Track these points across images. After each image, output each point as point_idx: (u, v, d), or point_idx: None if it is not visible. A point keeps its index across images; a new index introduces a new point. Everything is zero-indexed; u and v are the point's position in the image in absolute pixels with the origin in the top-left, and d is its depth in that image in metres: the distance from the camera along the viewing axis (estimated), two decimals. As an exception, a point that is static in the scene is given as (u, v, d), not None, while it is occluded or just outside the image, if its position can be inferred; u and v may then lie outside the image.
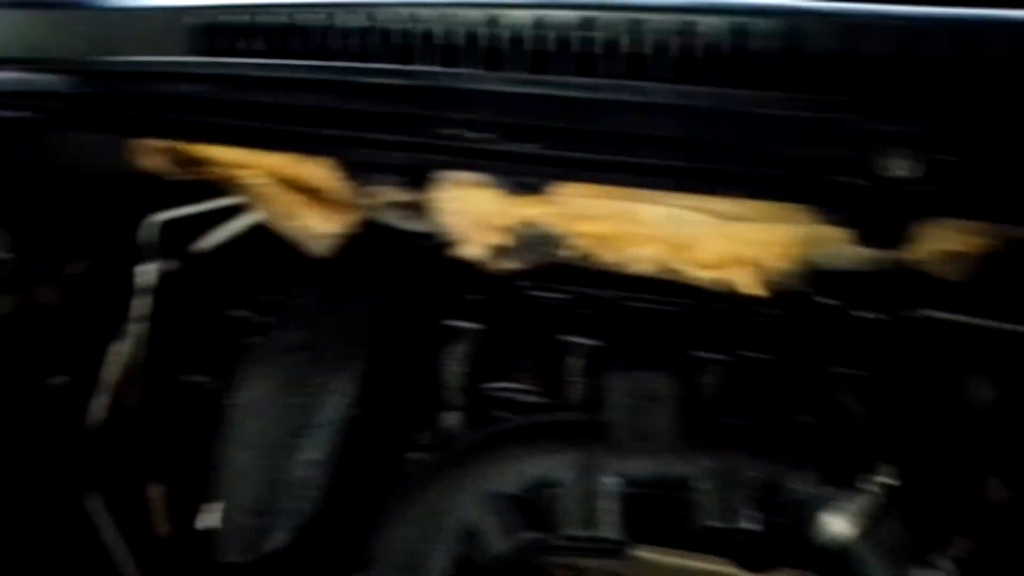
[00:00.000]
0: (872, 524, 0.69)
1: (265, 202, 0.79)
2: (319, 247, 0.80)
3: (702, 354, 0.81)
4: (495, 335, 0.87)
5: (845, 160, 0.60)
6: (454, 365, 0.86)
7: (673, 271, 0.75)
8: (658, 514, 0.75)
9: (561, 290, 0.87)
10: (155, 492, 1.01)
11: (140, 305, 0.95)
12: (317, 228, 0.79)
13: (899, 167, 0.59)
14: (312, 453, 0.79)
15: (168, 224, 0.96)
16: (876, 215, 0.64)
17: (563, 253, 0.77)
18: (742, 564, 0.76)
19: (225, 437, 0.81)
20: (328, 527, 0.78)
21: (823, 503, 0.71)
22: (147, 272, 0.95)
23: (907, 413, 0.78)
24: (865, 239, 0.65)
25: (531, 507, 0.76)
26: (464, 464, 0.79)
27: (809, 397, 0.79)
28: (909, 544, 0.69)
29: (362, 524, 0.78)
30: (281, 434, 0.80)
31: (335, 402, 0.81)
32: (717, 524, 0.72)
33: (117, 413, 1.00)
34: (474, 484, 0.76)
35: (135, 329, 0.95)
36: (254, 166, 0.76)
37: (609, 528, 0.74)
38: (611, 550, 0.75)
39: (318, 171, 0.75)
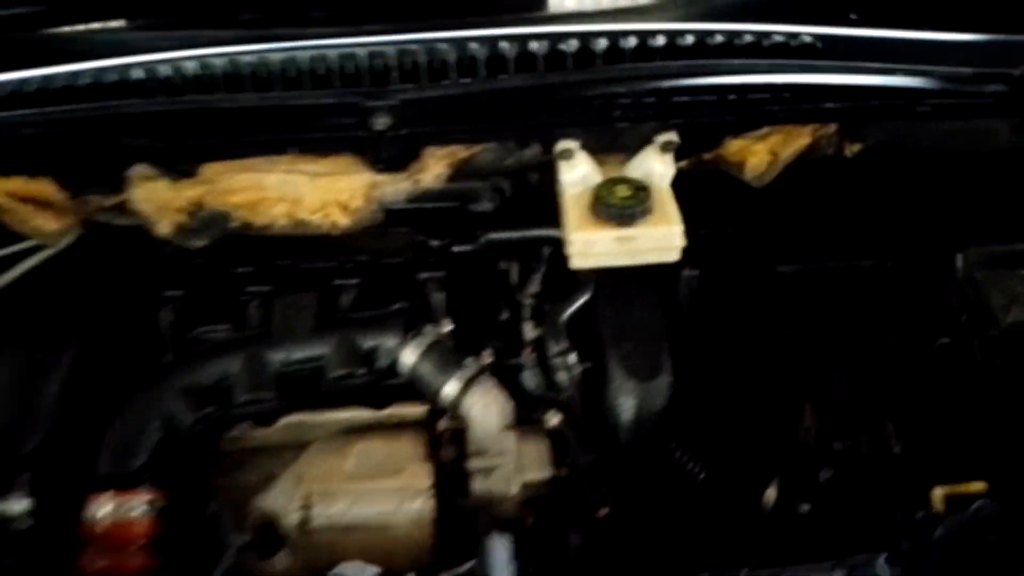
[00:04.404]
0: (427, 351, 1.08)
1: (7, 214, 1.12)
2: (52, 242, 1.14)
3: (338, 281, 1.21)
4: (196, 296, 1.22)
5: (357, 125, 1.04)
6: (167, 319, 1.20)
7: (299, 221, 1.14)
8: (301, 381, 1.10)
9: (239, 256, 1.23)
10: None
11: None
12: (47, 228, 1.12)
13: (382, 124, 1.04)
14: (52, 388, 1.09)
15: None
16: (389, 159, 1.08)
17: (231, 225, 1.15)
18: (370, 405, 1.12)
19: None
20: (68, 431, 1.07)
21: (400, 348, 1.09)
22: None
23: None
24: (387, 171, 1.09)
25: (214, 392, 1.08)
26: (166, 373, 1.11)
27: (403, 292, 1.19)
28: (451, 359, 1.09)
29: (94, 428, 1.07)
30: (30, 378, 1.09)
31: (70, 355, 1.12)
32: (340, 373, 1.08)
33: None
34: (173, 383, 1.08)
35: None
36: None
37: (267, 392, 1.08)
38: (270, 410, 1.08)
39: (45, 187, 1.11)
